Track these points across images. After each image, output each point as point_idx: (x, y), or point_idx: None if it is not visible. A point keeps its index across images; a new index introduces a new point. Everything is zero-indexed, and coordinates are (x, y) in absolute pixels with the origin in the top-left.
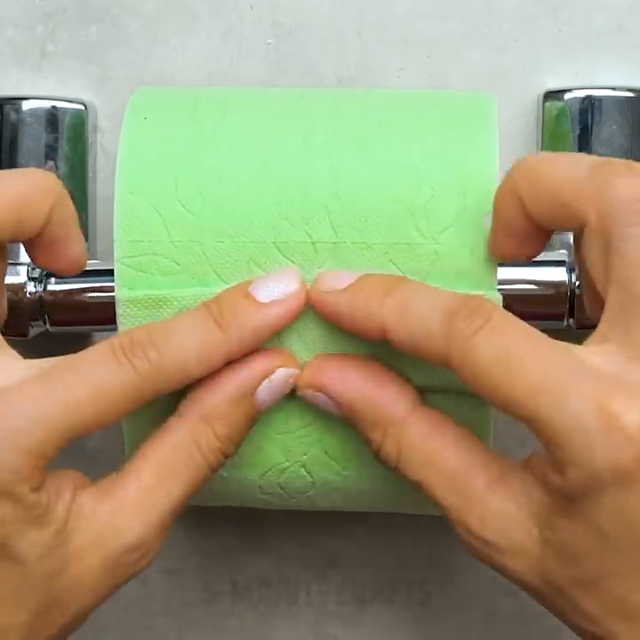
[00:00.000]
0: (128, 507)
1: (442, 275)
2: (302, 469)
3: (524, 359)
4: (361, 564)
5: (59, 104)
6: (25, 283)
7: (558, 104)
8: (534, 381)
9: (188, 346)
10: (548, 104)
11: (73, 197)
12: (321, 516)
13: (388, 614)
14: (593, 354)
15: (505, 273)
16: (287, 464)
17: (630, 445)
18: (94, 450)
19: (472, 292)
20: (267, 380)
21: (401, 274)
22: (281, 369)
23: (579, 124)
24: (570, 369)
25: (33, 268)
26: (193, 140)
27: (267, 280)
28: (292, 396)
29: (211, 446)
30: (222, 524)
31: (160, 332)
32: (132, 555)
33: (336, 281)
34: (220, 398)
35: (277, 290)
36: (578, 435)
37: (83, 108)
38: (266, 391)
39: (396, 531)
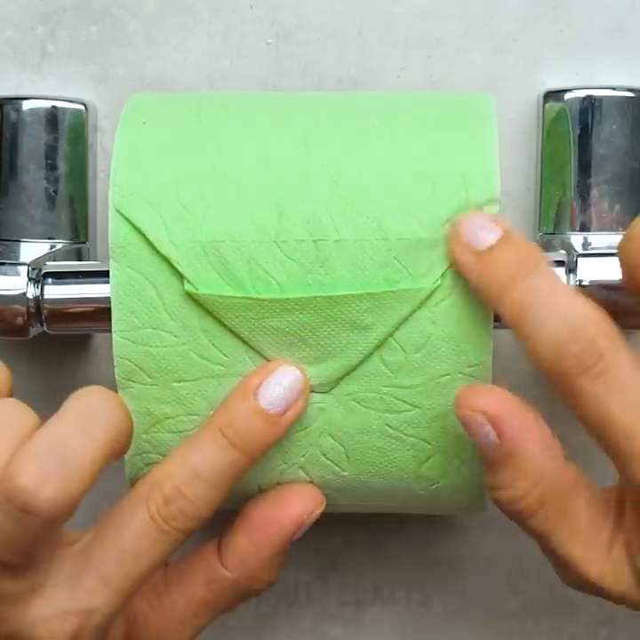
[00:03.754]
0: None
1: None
2: (300, 471)
3: (624, 409)
4: (361, 564)
5: (59, 104)
6: (25, 283)
7: (558, 104)
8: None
9: (215, 483)
10: (547, 104)
11: (73, 197)
12: (321, 517)
13: (388, 615)
14: None
15: None
16: (285, 466)
17: None
18: None
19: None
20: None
21: (404, 270)
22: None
23: (579, 123)
24: None
25: (33, 269)
26: (193, 142)
27: (271, 386)
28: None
29: None
30: (222, 526)
31: (186, 479)
32: None
33: (476, 238)
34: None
35: (284, 395)
36: None
37: (83, 108)
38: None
39: (396, 531)
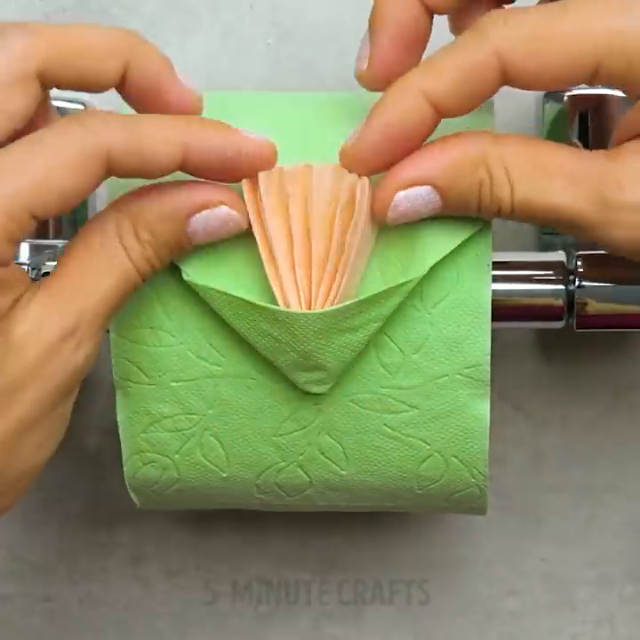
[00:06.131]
0: (59, 297)
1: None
2: (299, 469)
3: None
4: (361, 564)
5: (59, 104)
6: None
7: (558, 104)
8: None
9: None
10: (547, 104)
11: None
12: (321, 516)
13: (387, 614)
14: None
15: (501, 284)
16: (283, 464)
17: None
18: (94, 449)
19: (470, 269)
20: (207, 210)
21: (397, 263)
22: (224, 207)
23: (578, 124)
24: None
25: (33, 269)
26: None
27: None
28: (286, 399)
29: (134, 248)
30: (223, 525)
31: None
32: (68, 343)
33: None
34: (151, 206)
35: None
36: None
37: (83, 108)
38: (201, 222)
39: (396, 531)
